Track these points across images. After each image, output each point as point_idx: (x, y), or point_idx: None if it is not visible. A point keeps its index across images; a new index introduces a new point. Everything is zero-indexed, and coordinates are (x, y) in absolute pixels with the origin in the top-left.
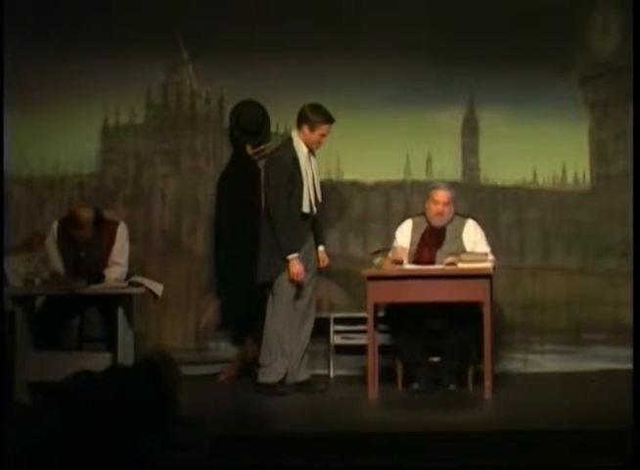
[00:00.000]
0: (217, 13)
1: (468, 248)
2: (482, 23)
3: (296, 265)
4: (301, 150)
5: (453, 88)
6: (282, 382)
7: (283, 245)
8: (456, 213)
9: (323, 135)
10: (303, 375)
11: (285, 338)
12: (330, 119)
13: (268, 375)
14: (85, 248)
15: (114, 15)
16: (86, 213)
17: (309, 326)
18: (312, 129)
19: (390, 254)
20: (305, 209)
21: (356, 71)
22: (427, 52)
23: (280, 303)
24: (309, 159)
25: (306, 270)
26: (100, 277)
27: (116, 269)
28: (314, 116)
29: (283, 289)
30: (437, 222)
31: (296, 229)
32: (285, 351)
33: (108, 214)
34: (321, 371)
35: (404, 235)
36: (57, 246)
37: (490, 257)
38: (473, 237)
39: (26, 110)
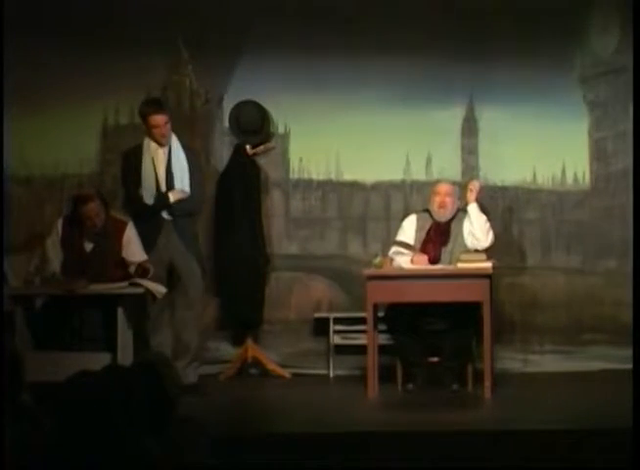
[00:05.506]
0: (217, 13)
1: (466, 231)
2: (482, 22)
3: None
4: (147, 143)
5: (453, 88)
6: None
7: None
8: (460, 209)
9: (155, 127)
10: (190, 379)
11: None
12: (154, 111)
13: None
14: (93, 240)
15: (114, 15)
16: (88, 191)
17: (187, 335)
18: (144, 121)
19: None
20: (147, 200)
21: (356, 71)
22: (427, 52)
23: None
24: (151, 150)
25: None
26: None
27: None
28: (143, 108)
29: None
30: (441, 216)
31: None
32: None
33: (115, 214)
34: (321, 371)
35: (406, 233)
36: (60, 244)
37: (490, 236)
38: (472, 219)
39: (26, 110)
